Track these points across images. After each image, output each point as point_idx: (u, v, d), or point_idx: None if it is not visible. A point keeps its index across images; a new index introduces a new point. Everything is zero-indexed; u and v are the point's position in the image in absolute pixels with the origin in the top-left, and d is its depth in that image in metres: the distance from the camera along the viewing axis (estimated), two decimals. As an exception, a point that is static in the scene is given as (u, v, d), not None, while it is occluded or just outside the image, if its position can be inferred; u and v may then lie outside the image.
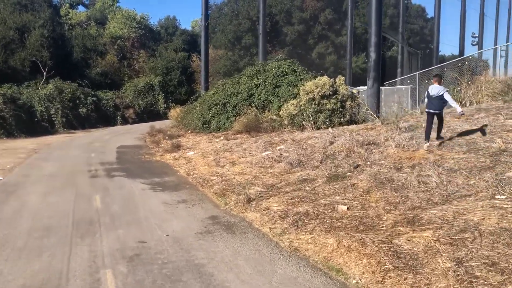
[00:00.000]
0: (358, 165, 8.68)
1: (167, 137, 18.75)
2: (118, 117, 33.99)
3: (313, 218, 6.77)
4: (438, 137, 9.14)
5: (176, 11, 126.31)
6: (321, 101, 16.73)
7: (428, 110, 8.86)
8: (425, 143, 8.78)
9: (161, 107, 38.81)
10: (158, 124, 26.88)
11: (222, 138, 17.08)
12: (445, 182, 6.97)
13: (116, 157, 14.89)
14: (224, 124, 20.46)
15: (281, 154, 10.35)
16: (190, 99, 27.28)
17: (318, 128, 16.64)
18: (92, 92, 32.58)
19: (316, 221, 6.63)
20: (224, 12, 55.76)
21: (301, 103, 17.28)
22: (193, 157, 12.94)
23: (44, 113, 27.91)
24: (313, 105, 16.75)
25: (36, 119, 27.10)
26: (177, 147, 14.66)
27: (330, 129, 12.84)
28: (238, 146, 13.07)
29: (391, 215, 6.37)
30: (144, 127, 27.42)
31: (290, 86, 20.25)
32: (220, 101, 21.36)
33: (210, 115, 21.15)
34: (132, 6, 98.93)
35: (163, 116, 37.45)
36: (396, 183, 7.41)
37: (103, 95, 34.46)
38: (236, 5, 49.52)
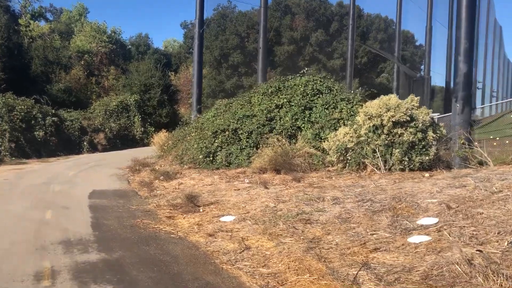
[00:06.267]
0: None
1: (161, 176, 13.02)
2: (85, 143, 27.20)
3: None
4: None
5: (149, 28, 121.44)
6: (393, 130, 11.64)
7: None
8: None
9: (137, 131, 32.49)
10: (137, 153, 21.05)
11: (247, 180, 11.61)
12: None
13: (92, 223, 7.74)
14: (237, 157, 14.96)
15: (471, 257, 4.71)
16: (180, 123, 21.70)
17: (390, 170, 11.50)
18: (53, 111, 25.84)
19: None
20: (206, 29, 51.08)
21: (360, 132, 12.13)
22: (242, 230, 6.83)
23: (-15, 136, 21.49)
24: (382, 136, 11.62)
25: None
26: (192, 200, 8.91)
27: (470, 180, 7.53)
28: (310, 206, 7.39)
29: None
30: (120, 156, 21.44)
31: (327, 109, 15.18)
32: (229, 126, 15.87)
33: (216, 145, 15.58)
34: (102, 19, 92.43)
35: (140, 142, 31.39)
36: None
37: (67, 115, 27.87)
38: (223, 20, 44.58)
